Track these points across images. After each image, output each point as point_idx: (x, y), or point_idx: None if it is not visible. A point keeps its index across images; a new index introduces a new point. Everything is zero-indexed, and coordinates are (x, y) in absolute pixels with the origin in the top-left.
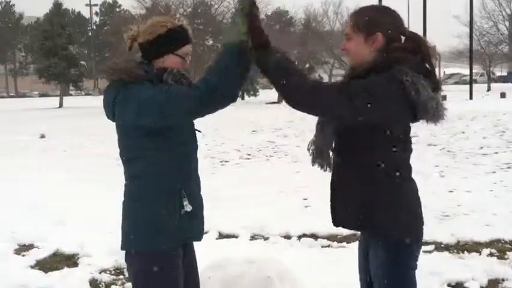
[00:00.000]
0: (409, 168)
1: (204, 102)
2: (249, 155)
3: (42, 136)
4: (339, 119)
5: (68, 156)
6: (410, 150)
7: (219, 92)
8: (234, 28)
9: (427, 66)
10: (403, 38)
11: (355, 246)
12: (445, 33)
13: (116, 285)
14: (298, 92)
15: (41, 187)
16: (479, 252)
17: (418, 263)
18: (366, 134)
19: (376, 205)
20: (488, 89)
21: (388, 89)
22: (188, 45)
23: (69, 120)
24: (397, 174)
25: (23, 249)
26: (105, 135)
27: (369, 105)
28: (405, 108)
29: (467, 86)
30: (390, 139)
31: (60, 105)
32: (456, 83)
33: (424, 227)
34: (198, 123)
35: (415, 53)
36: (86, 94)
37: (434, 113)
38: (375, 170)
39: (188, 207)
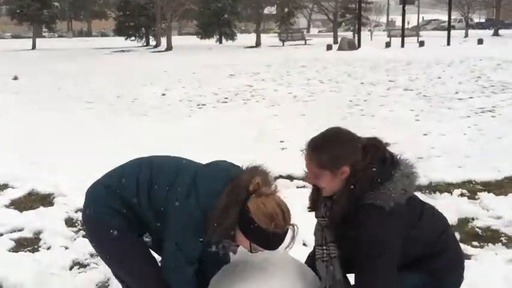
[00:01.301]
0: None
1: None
2: (226, 98)
3: (15, 78)
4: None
5: (42, 98)
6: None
7: None
8: None
9: (386, 157)
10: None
11: None
12: None
13: None
14: None
15: (15, 128)
16: (451, 193)
17: None
18: None
19: None
20: (466, 35)
21: (384, 229)
22: (267, 250)
23: (42, 62)
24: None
25: None
26: (78, 77)
27: (391, 259)
28: (403, 216)
29: (445, 32)
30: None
31: (33, 47)
32: (434, 28)
33: None
34: (172, 62)
35: (378, 154)
36: (59, 36)
37: (412, 187)
38: None
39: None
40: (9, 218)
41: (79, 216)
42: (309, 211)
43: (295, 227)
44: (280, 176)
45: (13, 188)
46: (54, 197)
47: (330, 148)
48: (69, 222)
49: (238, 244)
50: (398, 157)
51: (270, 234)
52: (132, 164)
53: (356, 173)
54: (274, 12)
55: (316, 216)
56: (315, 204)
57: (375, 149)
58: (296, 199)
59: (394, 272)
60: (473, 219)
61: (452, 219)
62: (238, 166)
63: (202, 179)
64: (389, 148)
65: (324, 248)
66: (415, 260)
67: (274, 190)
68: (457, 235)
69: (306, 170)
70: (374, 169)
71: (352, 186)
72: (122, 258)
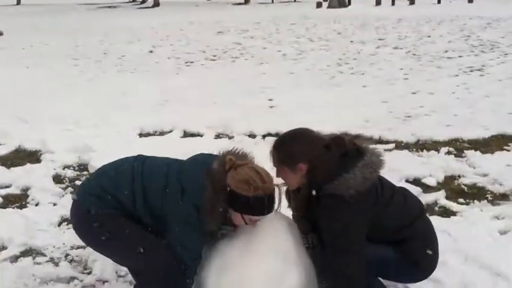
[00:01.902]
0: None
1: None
2: (215, 56)
3: (0, 33)
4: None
5: (28, 54)
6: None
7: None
8: None
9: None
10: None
11: None
12: None
13: (80, 180)
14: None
15: (1, 84)
16: (438, 151)
17: None
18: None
19: None
20: None
21: (344, 216)
22: (258, 217)
23: (27, 18)
24: None
25: None
26: (64, 33)
27: (357, 243)
28: (365, 202)
29: None
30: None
31: (18, 3)
32: None
33: (386, 126)
34: (159, 18)
35: (336, 148)
36: None
37: (374, 175)
38: None
39: None
40: None
41: (66, 172)
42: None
43: (279, 187)
44: (269, 134)
45: (0, 144)
46: (41, 154)
47: (286, 146)
48: (57, 179)
49: (235, 224)
50: (365, 147)
51: (251, 199)
52: (125, 168)
53: (315, 168)
54: None
55: (291, 208)
56: (287, 197)
57: (336, 145)
58: None
59: (361, 255)
60: (459, 176)
61: (439, 177)
62: (215, 155)
63: (187, 178)
64: (359, 139)
65: (308, 236)
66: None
67: (249, 161)
68: (444, 192)
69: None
70: (333, 163)
71: (310, 180)
72: (115, 242)
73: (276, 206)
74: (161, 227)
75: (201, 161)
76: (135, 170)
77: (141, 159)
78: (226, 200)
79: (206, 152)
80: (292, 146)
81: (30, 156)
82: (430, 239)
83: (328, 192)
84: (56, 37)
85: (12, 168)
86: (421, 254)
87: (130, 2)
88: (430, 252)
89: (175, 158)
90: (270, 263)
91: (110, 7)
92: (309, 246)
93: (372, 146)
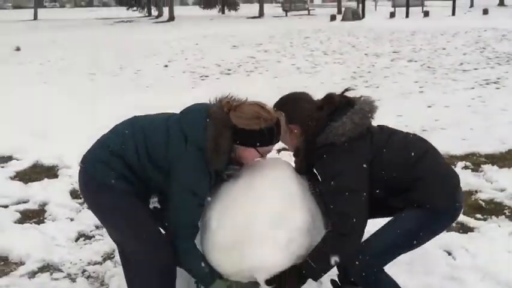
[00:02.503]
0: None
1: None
2: (229, 70)
3: (18, 49)
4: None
5: (45, 69)
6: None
7: (179, 258)
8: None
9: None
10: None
11: None
12: None
13: None
14: (348, 247)
15: (19, 100)
16: (455, 165)
17: None
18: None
19: None
20: (471, 5)
21: (338, 161)
22: (271, 147)
23: (44, 33)
24: None
25: (2, 160)
26: (81, 49)
27: (356, 191)
28: (358, 147)
29: (450, 2)
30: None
31: (35, 18)
32: None
33: None
34: (174, 32)
35: (331, 106)
36: (60, 6)
37: (364, 120)
38: None
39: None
40: (15, 190)
41: None
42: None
43: (281, 114)
44: (283, 149)
45: (17, 160)
46: (58, 169)
47: (283, 106)
48: (74, 194)
49: (244, 161)
50: (355, 98)
51: (264, 130)
52: (125, 127)
53: (308, 127)
54: None
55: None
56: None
57: (328, 104)
58: None
59: (361, 201)
60: (476, 191)
61: None
62: (210, 103)
63: (188, 125)
64: (349, 93)
65: (313, 183)
66: (397, 191)
67: (244, 100)
68: None
69: None
70: (323, 118)
71: (305, 139)
72: (117, 212)
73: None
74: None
75: (198, 108)
76: (136, 129)
77: (138, 118)
78: (232, 138)
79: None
80: (284, 110)
81: (48, 172)
82: (441, 179)
83: (320, 144)
84: (73, 52)
85: (29, 183)
86: (437, 198)
87: (146, 16)
88: (445, 191)
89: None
90: (275, 204)
91: (126, 21)
92: (315, 191)
93: (364, 96)
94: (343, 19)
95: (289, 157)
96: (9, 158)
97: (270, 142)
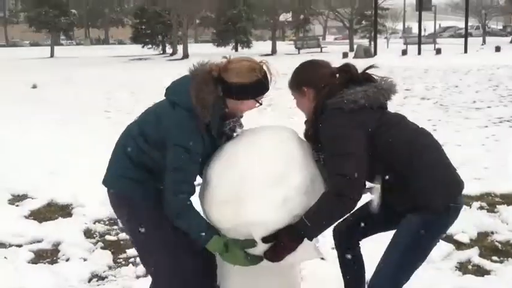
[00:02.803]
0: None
1: (168, 204)
2: None
3: (34, 86)
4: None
5: (61, 107)
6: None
7: (175, 218)
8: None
9: (352, 77)
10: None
11: None
12: None
13: (110, 235)
14: (344, 209)
15: (34, 138)
16: (470, 206)
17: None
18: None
19: None
20: (483, 43)
21: (340, 123)
22: (265, 94)
23: (61, 71)
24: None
25: (16, 199)
26: (97, 86)
27: (356, 154)
28: (365, 114)
29: (462, 39)
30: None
31: (52, 55)
32: (451, 36)
33: None
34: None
35: (343, 75)
36: (77, 44)
37: (379, 96)
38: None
39: None
40: (29, 229)
41: (97, 227)
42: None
43: (265, 62)
44: None
45: (32, 198)
46: (72, 208)
47: (294, 74)
48: (88, 234)
49: (242, 112)
50: (377, 77)
51: (262, 79)
52: (125, 133)
53: (320, 90)
54: (290, 19)
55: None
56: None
57: (342, 71)
58: None
59: (359, 163)
60: (492, 233)
61: (471, 233)
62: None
63: (172, 93)
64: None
65: (319, 153)
66: (394, 183)
67: (228, 59)
68: (477, 249)
69: None
70: (337, 84)
71: (317, 101)
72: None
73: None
74: None
75: (182, 78)
76: (130, 127)
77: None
78: (217, 93)
79: None
80: (298, 73)
81: (62, 211)
82: (440, 176)
83: (329, 107)
84: (89, 89)
85: (43, 222)
86: (433, 196)
87: (160, 54)
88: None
89: None
90: (274, 163)
91: (140, 59)
92: (318, 159)
93: (386, 77)
94: (355, 56)
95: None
96: (24, 197)
97: (266, 88)
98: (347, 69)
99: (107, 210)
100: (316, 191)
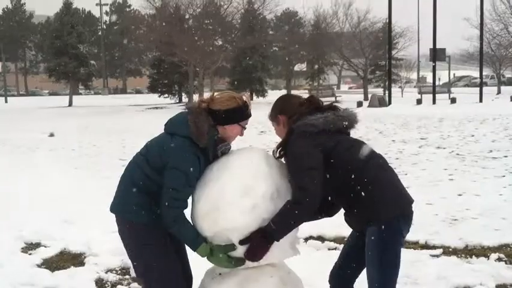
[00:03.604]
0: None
1: (163, 215)
2: None
3: (52, 135)
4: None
5: (76, 155)
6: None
7: (170, 226)
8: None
9: (316, 106)
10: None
11: None
12: (455, 36)
13: (122, 285)
14: (294, 215)
15: (49, 186)
16: (488, 257)
17: (425, 266)
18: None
19: None
20: (499, 92)
21: (302, 144)
22: (248, 119)
23: (78, 119)
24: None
25: (30, 247)
26: (113, 134)
27: (314, 169)
28: (323, 137)
29: (477, 89)
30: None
31: (70, 104)
32: (466, 85)
33: (432, 230)
34: None
35: (309, 104)
36: (95, 93)
37: (337, 122)
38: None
39: None
40: (41, 278)
41: (109, 276)
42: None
43: (244, 94)
44: (311, 237)
45: (45, 246)
46: (85, 257)
47: (272, 106)
48: (100, 283)
49: (231, 137)
50: (341, 108)
51: (242, 107)
52: (131, 165)
53: (291, 117)
54: (305, 69)
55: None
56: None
57: (308, 102)
58: (327, 261)
59: (317, 177)
60: (511, 285)
61: (489, 286)
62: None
63: (170, 126)
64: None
65: None
66: (349, 199)
67: (213, 93)
68: None
69: None
70: (305, 111)
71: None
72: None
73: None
74: None
75: (179, 114)
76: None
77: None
78: (210, 121)
79: None
80: (275, 105)
81: (74, 259)
82: (384, 187)
83: (295, 131)
84: (105, 138)
85: (56, 271)
86: (380, 206)
87: (176, 103)
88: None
89: None
90: (243, 177)
91: (157, 108)
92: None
93: (349, 108)
94: (370, 105)
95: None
96: (37, 245)
97: (247, 115)
98: (312, 99)
99: (119, 260)
100: (282, 198)
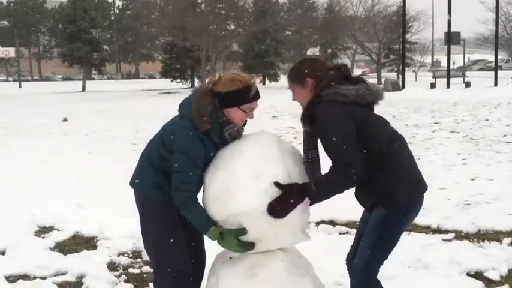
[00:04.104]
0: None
1: (173, 198)
2: None
3: (65, 119)
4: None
5: (90, 140)
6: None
7: (180, 209)
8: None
9: (345, 75)
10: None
11: None
12: (470, 19)
13: (134, 268)
14: (340, 185)
15: (62, 170)
16: (500, 242)
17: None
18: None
19: None
20: None
21: (336, 116)
22: (254, 102)
23: (91, 104)
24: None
25: (43, 231)
26: (126, 119)
27: (354, 142)
28: (353, 108)
29: (492, 73)
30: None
31: (83, 89)
32: (481, 69)
33: (445, 214)
34: None
35: (338, 72)
36: (108, 78)
37: (367, 96)
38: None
39: None
40: (53, 261)
41: (121, 260)
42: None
43: (253, 77)
44: (322, 221)
45: (58, 230)
46: (97, 240)
47: (296, 68)
48: (111, 267)
49: (235, 121)
50: (370, 82)
51: (242, 89)
52: (150, 143)
53: (319, 81)
54: (318, 53)
55: (303, 128)
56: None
57: (337, 69)
58: (339, 247)
59: (354, 148)
60: None
61: (502, 270)
62: None
63: (180, 108)
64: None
65: (308, 152)
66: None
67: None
68: (507, 287)
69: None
70: (334, 78)
71: (315, 91)
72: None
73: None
74: None
75: (190, 95)
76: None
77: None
78: (214, 103)
79: None
80: (300, 66)
81: (87, 243)
82: (406, 173)
83: (324, 99)
84: (118, 122)
85: (68, 255)
86: (398, 189)
87: (189, 88)
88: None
89: None
90: (255, 161)
91: (169, 93)
92: (307, 160)
93: (377, 85)
94: (383, 90)
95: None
96: (50, 228)
97: (248, 99)
98: (341, 67)
99: (131, 243)
100: (293, 180)
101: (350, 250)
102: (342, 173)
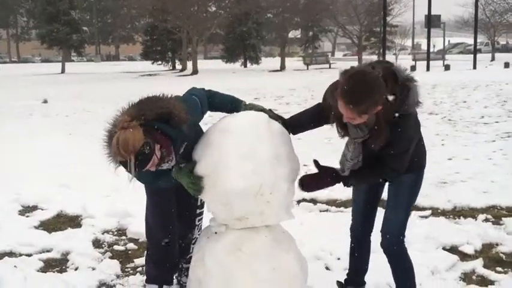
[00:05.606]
0: None
1: None
2: None
3: (45, 101)
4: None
5: (71, 121)
6: None
7: None
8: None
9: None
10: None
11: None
12: (450, 2)
13: (119, 245)
14: (377, 180)
15: (44, 151)
16: (475, 218)
17: (415, 227)
18: None
19: None
20: (493, 59)
21: (416, 129)
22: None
23: (71, 86)
24: None
25: (27, 210)
26: (106, 100)
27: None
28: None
29: (471, 56)
30: None
31: (63, 71)
32: (460, 52)
33: (422, 192)
34: (197, 85)
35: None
36: (88, 60)
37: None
38: None
39: None
40: (38, 239)
41: (106, 237)
42: (341, 137)
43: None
44: (304, 200)
45: (42, 209)
46: (82, 219)
47: (366, 99)
48: (96, 244)
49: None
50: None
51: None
52: None
53: (385, 102)
54: (299, 36)
55: (353, 138)
56: (345, 130)
57: (391, 77)
58: (319, 223)
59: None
60: (497, 244)
61: (476, 245)
62: None
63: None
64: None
65: (357, 161)
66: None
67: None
68: (481, 261)
69: (344, 114)
70: (394, 94)
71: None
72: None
73: None
74: None
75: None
76: None
77: None
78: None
79: None
80: (371, 97)
81: (71, 221)
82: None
83: (405, 113)
84: (99, 104)
85: (53, 232)
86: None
87: (170, 70)
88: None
89: None
90: (243, 141)
91: (150, 75)
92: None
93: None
94: None
95: None
96: (34, 208)
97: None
98: (390, 76)
99: (115, 221)
100: (282, 164)
101: (355, 227)
102: (388, 174)
